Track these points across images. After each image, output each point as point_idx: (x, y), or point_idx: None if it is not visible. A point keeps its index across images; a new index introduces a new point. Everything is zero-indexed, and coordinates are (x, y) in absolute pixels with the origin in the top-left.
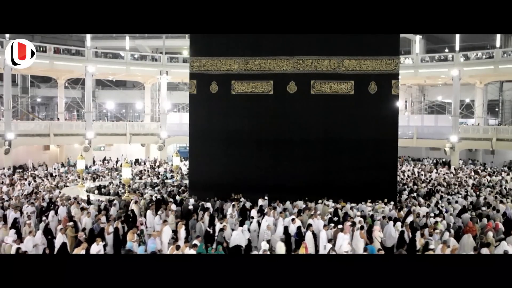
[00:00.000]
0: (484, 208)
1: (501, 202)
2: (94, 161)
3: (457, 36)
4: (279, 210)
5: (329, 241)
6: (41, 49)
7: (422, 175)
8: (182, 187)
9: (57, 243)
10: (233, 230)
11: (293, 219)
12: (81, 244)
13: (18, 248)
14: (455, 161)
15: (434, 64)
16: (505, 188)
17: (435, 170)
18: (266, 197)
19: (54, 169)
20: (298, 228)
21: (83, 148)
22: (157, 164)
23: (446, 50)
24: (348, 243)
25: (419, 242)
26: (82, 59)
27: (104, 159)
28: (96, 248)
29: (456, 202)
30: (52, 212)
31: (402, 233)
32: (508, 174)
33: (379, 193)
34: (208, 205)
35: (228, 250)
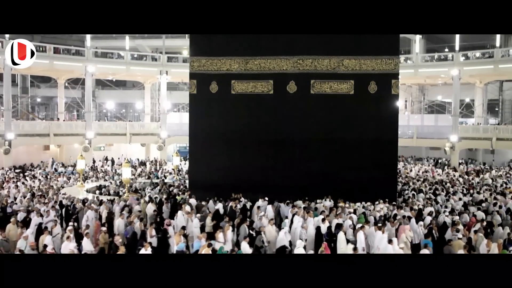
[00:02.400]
0: (484, 205)
1: (496, 198)
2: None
3: (457, 36)
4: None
5: (389, 241)
6: (41, 49)
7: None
8: (182, 187)
9: (84, 247)
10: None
11: (323, 219)
12: (118, 249)
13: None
14: (455, 160)
15: (434, 63)
16: (501, 185)
17: (416, 169)
18: (266, 198)
19: (31, 170)
20: (329, 228)
21: (83, 148)
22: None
23: (446, 50)
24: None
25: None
26: (82, 59)
27: (106, 159)
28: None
29: (460, 199)
30: (85, 217)
31: (430, 230)
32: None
33: (379, 193)
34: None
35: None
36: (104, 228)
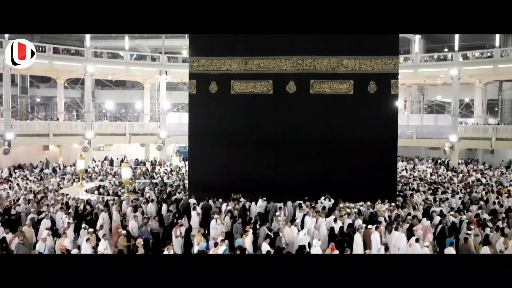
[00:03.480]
0: (481, 203)
1: (497, 197)
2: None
3: (457, 36)
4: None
5: (417, 240)
6: (40, 49)
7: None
8: (181, 187)
9: (101, 248)
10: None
11: (335, 219)
12: (138, 251)
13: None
14: (454, 160)
15: (433, 63)
16: (498, 185)
17: (405, 170)
18: (265, 198)
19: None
20: (341, 228)
21: (82, 148)
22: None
23: (446, 50)
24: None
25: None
26: (82, 59)
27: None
28: None
29: (460, 198)
30: (100, 219)
31: (443, 229)
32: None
33: (379, 193)
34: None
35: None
36: (123, 231)
